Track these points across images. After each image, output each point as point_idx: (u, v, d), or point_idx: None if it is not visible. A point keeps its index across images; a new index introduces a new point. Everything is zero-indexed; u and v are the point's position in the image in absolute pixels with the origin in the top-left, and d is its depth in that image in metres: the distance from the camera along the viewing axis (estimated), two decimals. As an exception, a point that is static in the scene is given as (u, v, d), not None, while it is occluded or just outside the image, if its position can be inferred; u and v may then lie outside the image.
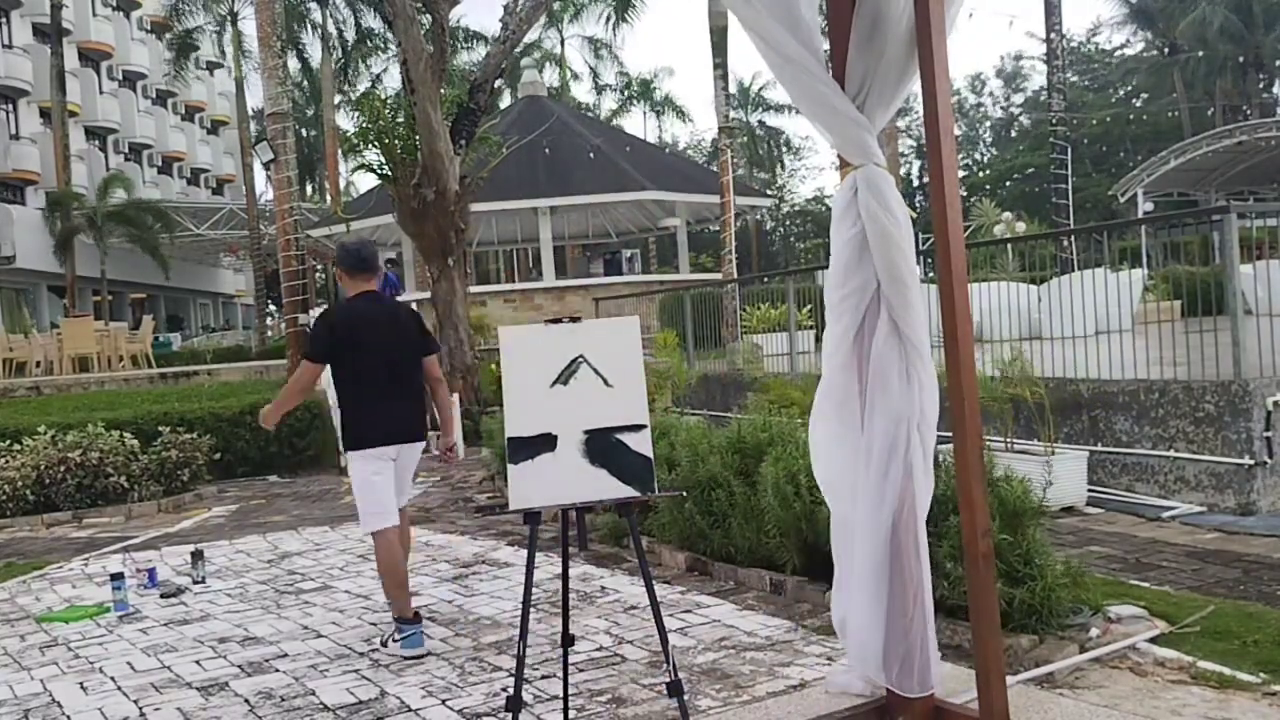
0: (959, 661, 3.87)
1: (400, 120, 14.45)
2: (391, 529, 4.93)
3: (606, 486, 3.20)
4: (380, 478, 4.93)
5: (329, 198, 36.55)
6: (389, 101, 15.25)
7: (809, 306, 11.71)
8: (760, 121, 54.33)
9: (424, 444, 5.15)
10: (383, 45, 33.07)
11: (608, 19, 34.36)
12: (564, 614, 3.49)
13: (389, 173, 14.37)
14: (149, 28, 48.25)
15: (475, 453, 12.71)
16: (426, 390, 5.20)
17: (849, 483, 3.32)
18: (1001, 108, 64.45)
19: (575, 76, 45.19)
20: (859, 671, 3.46)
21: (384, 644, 4.86)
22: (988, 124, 63.17)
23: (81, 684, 4.68)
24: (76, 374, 18.47)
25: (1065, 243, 19.45)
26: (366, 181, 32.80)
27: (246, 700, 4.29)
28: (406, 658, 4.66)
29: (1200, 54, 43.07)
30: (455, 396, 13.63)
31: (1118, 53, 55.86)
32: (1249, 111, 41.23)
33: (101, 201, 30.34)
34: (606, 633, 4.87)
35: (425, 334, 5.15)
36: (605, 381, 3.25)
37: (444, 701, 4.09)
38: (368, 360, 4.81)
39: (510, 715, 3.14)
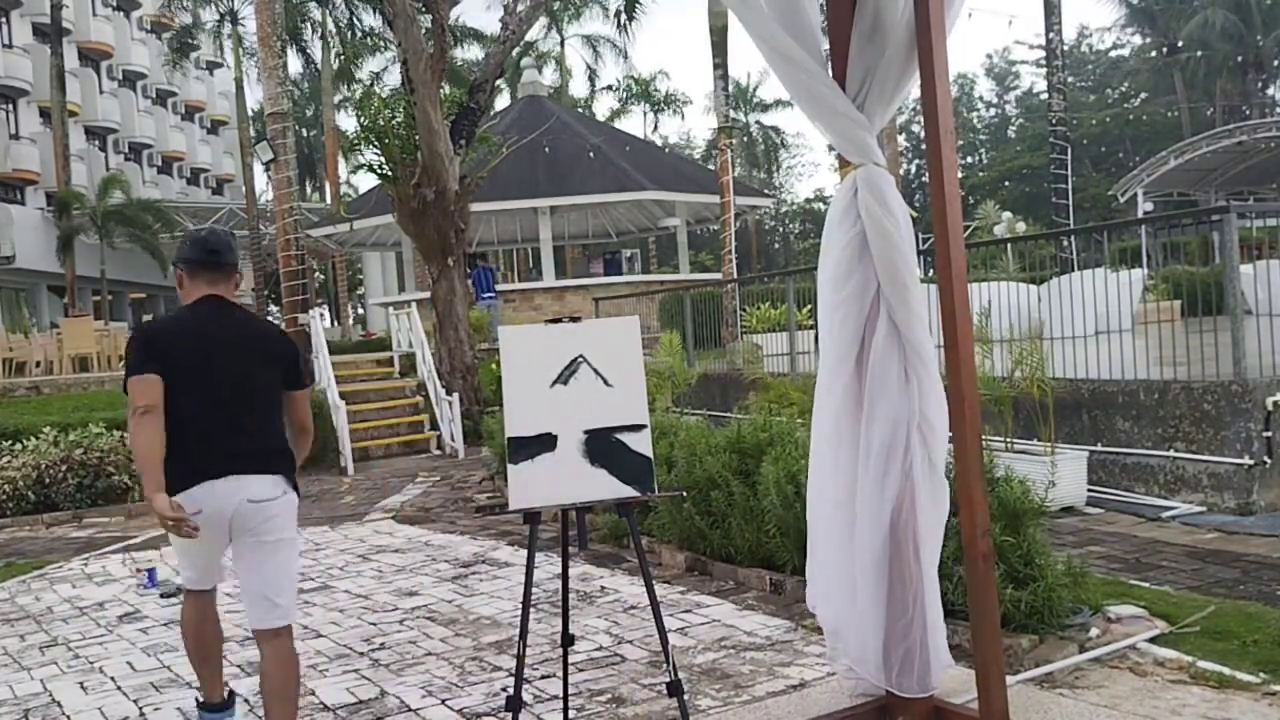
0: (959, 661, 3.87)
1: (400, 120, 14.46)
2: (203, 594, 3.81)
3: (606, 486, 3.20)
4: (194, 544, 3.48)
5: (329, 198, 36.56)
6: (389, 100, 15.26)
7: (809, 306, 11.71)
8: (758, 122, 54.39)
9: (272, 508, 3.40)
10: (383, 45, 33.09)
11: (616, 17, 34.38)
12: (564, 614, 3.49)
13: (389, 173, 14.38)
14: (149, 27, 48.22)
15: (475, 453, 12.72)
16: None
17: (845, 482, 3.31)
18: (995, 108, 64.55)
19: (579, 71, 45.26)
20: (859, 669, 3.46)
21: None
22: (981, 125, 63.25)
23: (81, 684, 4.68)
24: (76, 374, 18.47)
25: (1065, 243, 19.45)
26: (366, 181, 32.86)
27: (246, 700, 4.28)
28: None
29: (1200, 54, 43.13)
30: (455, 396, 13.67)
31: (1111, 53, 56.04)
32: (1249, 111, 41.25)
33: (101, 201, 30.35)
34: (606, 633, 4.87)
35: (294, 360, 3.64)
36: (605, 381, 3.25)
37: (444, 701, 4.09)
38: (189, 384, 3.33)
39: (510, 715, 3.14)
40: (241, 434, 3.40)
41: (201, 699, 3.83)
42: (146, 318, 25.91)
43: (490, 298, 20.06)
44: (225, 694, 3.84)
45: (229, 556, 3.65)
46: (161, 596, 6.27)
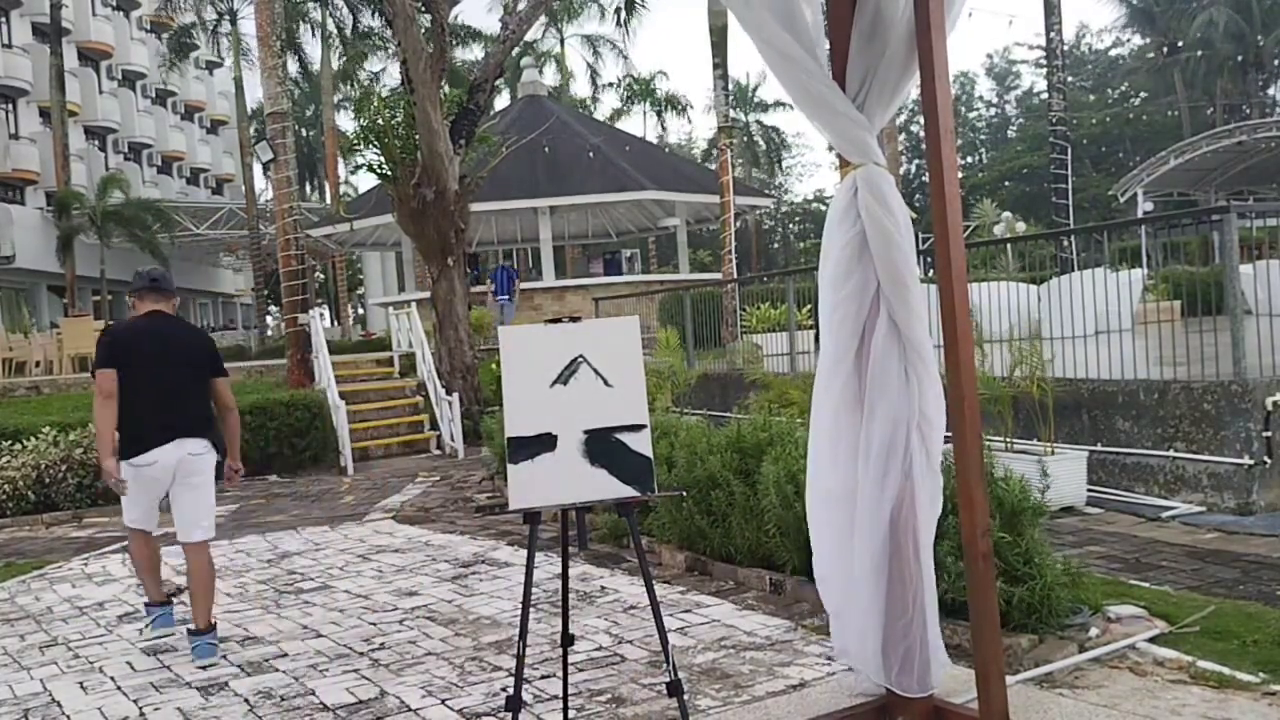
0: (959, 661, 3.87)
1: (400, 120, 14.46)
2: (144, 533, 5.14)
3: (606, 486, 3.20)
4: (138, 494, 4.96)
5: (329, 198, 36.56)
6: (389, 100, 15.26)
7: (809, 306, 11.71)
8: (758, 122, 54.40)
9: (200, 460, 4.95)
10: (383, 45, 33.12)
11: (615, 16, 34.47)
12: (564, 614, 3.49)
13: (389, 173, 14.38)
14: (148, 27, 48.24)
15: (475, 453, 12.72)
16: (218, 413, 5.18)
17: (844, 481, 3.32)
18: (995, 108, 64.56)
19: (580, 71, 45.28)
20: (859, 668, 3.46)
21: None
22: (981, 125, 63.26)
23: (81, 684, 4.68)
24: (76, 374, 18.46)
25: (1065, 243, 19.45)
26: (366, 181, 32.92)
27: (246, 700, 4.29)
28: (159, 635, 5.24)
29: (1200, 54, 43.15)
30: (455, 396, 13.67)
31: (1110, 52, 56.10)
32: (1249, 111, 41.26)
33: (101, 201, 30.35)
34: (606, 632, 4.87)
35: (214, 356, 5.16)
36: (605, 381, 3.25)
37: (444, 701, 4.09)
38: (141, 374, 4.84)
39: (510, 715, 3.14)
40: (182, 410, 4.94)
41: (148, 601, 5.35)
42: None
43: (504, 299, 20.28)
44: (165, 595, 5.35)
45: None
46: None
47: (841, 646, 3.43)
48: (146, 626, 5.33)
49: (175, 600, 6.06)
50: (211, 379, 5.08)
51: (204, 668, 4.74)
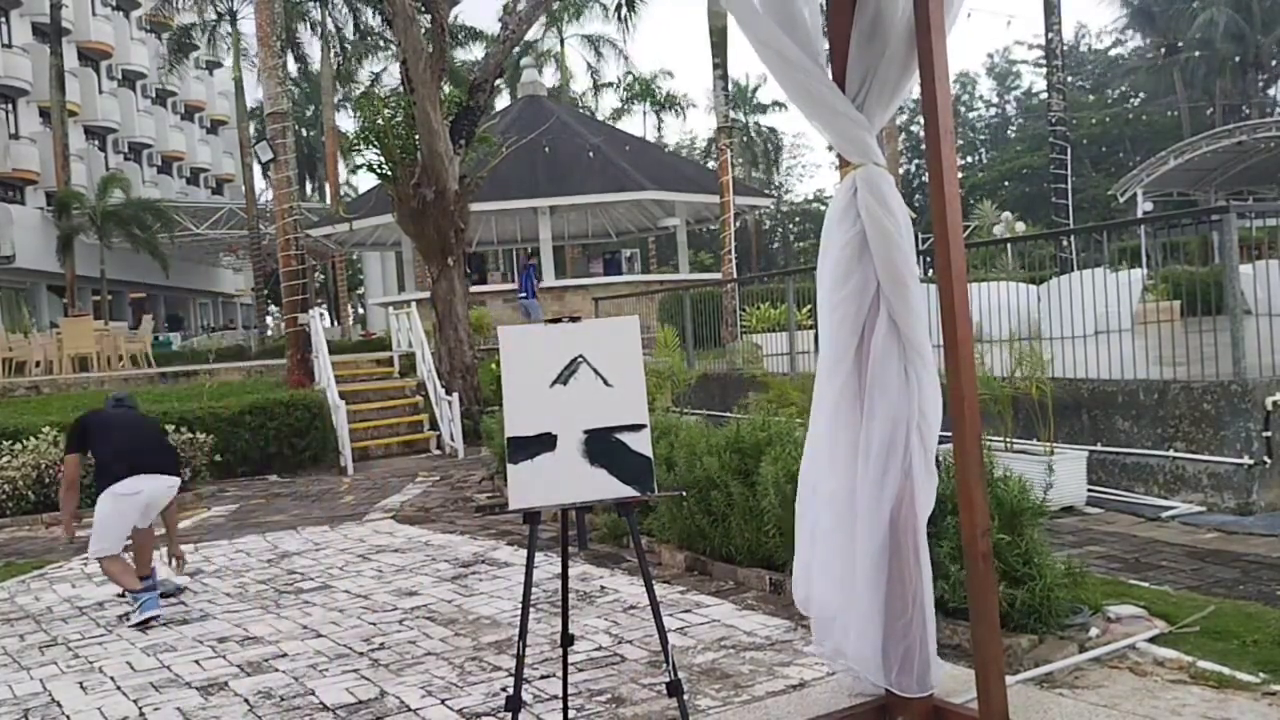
0: (959, 661, 3.87)
1: (400, 120, 14.46)
2: (115, 555, 5.99)
3: (606, 486, 3.20)
4: (113, 523, 5.96)
5: (329, 198, 36.55)
6: (389, 100, 15.26)
7: (809, 306, 11.70)
8: (757, 122, 54.41)
9: (175, 490, 6.29)
10: (383, 45, 33.11)
11: (617, 13, 34.47)
12: (564, 614, 3.49)
13: (389, 172, 14.38)
14: (148, 27, 48.20)
15: (475, 452, 12.72)
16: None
17: (843, 481, 3.32)
18: (995, 108, 64.54)
19: (580, 70, 45.28)
20: (858, 668, 3.45)
21: (127, 618, 5.80)
22: (981, 125, 63.25)
23: (81, 684, 4.68)
24: (76, 374, 18.46)
25: (1065, 243, 19.43)
26: (366, 181, 32.90)
27: (246, 700, 4.29)
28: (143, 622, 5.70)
29: (1200, 54, 43.15)
30: (455, 396, 13.67)
31: (1110, 52, 56.11)
32: (1249, 111, 41.26)
33: (101, 201, 30.35)
34: (606, 632, 4.87)
35: (169, 448, 6.55)
36: (605, 381, 3.25)
37: (444, 701, 4.09)
38: (119, 432, 6.19)
39: (510, 715, 3.14)
40: (153, 452, 6.23)
41: (130, 590, 5.85)
42: (146, 317, 25.93)
43: (524, 298, 20.60)
44: (144, 584, 5.90)
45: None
46: (161, 596, 6.26)
47: (835, 648, 3.42)
48: (134, 611, 5.76)
49: (176, 599, 6.10)
50: None
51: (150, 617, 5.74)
